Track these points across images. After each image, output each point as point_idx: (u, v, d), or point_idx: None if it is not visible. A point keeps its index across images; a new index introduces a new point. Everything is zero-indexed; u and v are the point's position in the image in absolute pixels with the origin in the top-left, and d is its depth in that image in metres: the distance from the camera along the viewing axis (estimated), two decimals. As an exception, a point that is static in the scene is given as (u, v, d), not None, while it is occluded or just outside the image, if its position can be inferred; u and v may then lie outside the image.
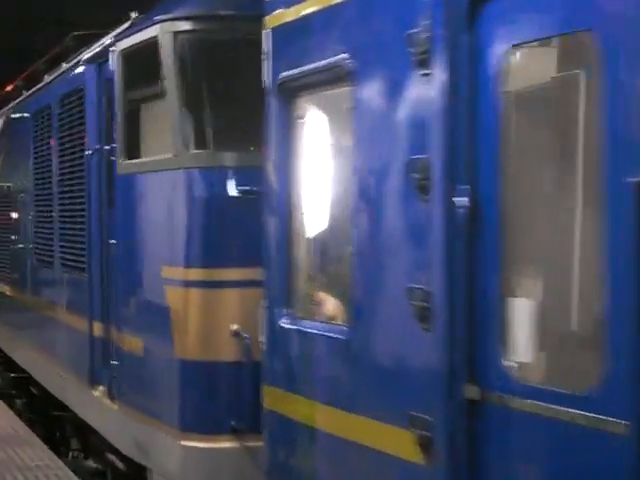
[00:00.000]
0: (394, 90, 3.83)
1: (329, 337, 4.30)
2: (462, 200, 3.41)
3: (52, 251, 9.54)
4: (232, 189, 6.03)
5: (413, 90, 3.67)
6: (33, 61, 14.32)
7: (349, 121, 4.24)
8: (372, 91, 4.00)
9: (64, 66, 9.89)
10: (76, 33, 13.22)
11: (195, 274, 6.12)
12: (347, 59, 4.13)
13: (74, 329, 8.70)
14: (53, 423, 10.85)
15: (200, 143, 6.12)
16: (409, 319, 3.65)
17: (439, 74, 3.50)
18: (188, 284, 6.15)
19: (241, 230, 6.05)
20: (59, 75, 9.62)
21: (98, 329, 7.80)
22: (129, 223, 7.03)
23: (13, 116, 12.28)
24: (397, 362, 3.82)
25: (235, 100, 6.23)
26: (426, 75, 3.56)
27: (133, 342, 6.92)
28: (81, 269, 8.34)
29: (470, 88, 3.42)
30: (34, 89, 11.10)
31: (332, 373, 4.31)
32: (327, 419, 4.35)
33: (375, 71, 3.99)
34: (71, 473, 8.71)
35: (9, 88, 18.78)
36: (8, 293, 12.19)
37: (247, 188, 5.97)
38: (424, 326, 3.58)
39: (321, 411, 4.40)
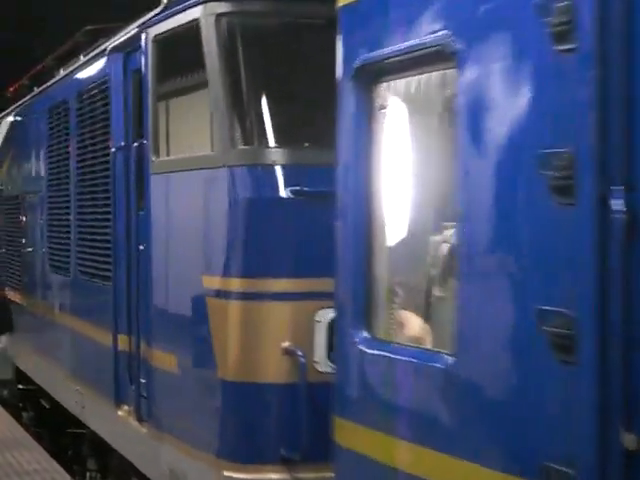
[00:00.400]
0: (518, 71, 3.17)
1: (423, 365, 3.65)
2: (617, 203, 2.76)
3: (68, 257, 8.88)
4: (282, 189, 5.37)
5: (547, 69, 3.01)
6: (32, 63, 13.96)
7: (449, 110, 3.59)
8: (484, 74, 3.34)
9: (82, 59, 9.24)
10: (88, 27, 12.60)
11: (241, 284, 5.46)
12: (449, 36, 3.48)
13: (94, 341, 8.05)
14: (66, 440, 10.20)
15: (246, 138, 5.46)
16: (540, 348, 3.00)
17: (586, 48, 2.85)
18: (233, 295, 5.49)
19: (293, 236, 5.40)
20: (77, 69, 8.96)
21: (123, 343, 7.15)
22: (162, 227, 6.38)
23: (22, 114, 11.64)
24: (520, 400, 3.16)
25: (288, 91, 5.59)
26: (568, 51, 2.91)
27: (166, 359, 6.26)
28: (103, 277, 7.69)
29: (628, 64, 2.77)
30: (46, 85, 10.45)
31: (426, 408, 3.65)
32: (417, 461, 3.70)
33: (489, 49, 3.33)
34: (68, 477, 8.69)
35: (14, 87, 18.24)
36: (18, 300, 11.53)
37: (299, 188, 5.33)
38: (563, 358, 2.92)
39: (409, 451, 3.74)
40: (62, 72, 10.04)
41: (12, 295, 12.02)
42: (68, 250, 8.87)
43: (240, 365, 5.48)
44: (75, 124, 8.59)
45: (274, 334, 5.41)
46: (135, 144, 6.76)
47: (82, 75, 8.59)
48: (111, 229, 7.37)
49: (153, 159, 6.40)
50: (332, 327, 5.32)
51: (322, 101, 5.06)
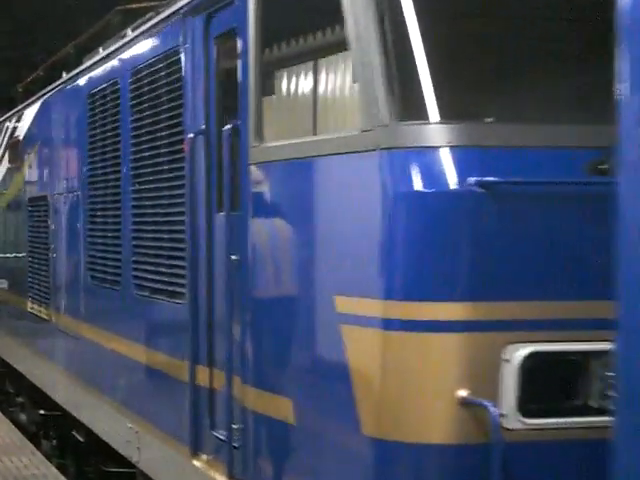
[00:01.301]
0: None
1: None
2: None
3: (118, 267, 7.43)
4: (461, 180, 3.95)
5: None
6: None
7: None
8: None
9: (131, 33, 7.82)
10: (120, 7, 11.23)
11: (401, 309, 4.02)
12: None
13: (156, 371, 6.61)
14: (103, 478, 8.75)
15: (414, 112, 4.03)
16: None
17: None
18: (387, 324, 4.05)
19: (477, 243, 3.97)
20: (129, 43, 7.52)
21: (204, 377, 5.71)
22: (269, 232, 4.93)
23: (48, 105, 10.20)
24: None
25: (469, 49, 4.17)
26: None
27: (275, 403, 4.81)
28: (172, 293, 6.25)
29: None
30: (84, 67, 9.01)
31: None
32: None
33: None
34: None
35: (26, 81, 16.82)
36: (44, 316, 10.07)
37: (486, 179, 3.90)
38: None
39: None
40: (101, 51, 8.62)
41: (36, 309, 10.56)
42: (118, 259, 7.43)
43: (398, 419, 4.05)
44: (128, 108, 7.15)
45: (447, 377, 3.99)
46: (227, 127, 5.31)
47: (138, 49, 7.15)
48: (185, 234, 5.93)
49: (254, 145, 4.96)
50: (525, 368, 3.97)
51: (521, 61, 3.67)
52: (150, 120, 6.67)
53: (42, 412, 10.88)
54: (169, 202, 6.28)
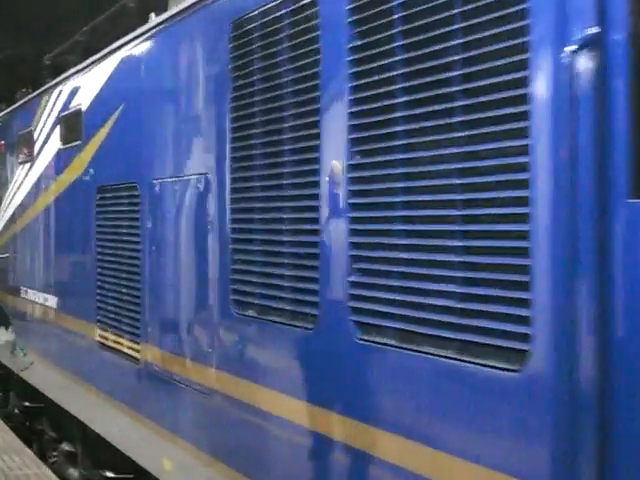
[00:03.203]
0: None
1: None
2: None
3: (311, 293, 4.60)
4: None
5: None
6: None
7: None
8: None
9: None
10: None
11: None
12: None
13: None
14: None
15: None
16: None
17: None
18: None
19: None
20: None
21: None
22: None
23: (141, 52, 7.35)
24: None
25: None
26: None
27: None
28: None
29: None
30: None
31: None
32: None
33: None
34: None
35: (54, 53, 14.16)
36: (135, 355, 7.18)
37: None
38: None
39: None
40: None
41: (111, 340, 7.68)
42: (306, 279, 4.58)
43: None
44: (339, 27, 4.31)
45: None
46: None
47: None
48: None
49: None
50: None
51: None
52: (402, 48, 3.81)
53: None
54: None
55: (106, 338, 7.83)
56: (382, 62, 4.00)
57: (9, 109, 12.65)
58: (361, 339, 4.15)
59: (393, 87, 3.94)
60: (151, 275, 6.74)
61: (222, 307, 5.58)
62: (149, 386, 6.83)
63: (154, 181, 6.67)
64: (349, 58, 4.22)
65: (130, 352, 7.21)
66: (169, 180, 6.40)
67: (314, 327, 4.55)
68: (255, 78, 5.16)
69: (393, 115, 3.95)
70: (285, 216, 4.86)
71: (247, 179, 5.30)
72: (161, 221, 6.58)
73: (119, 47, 7.68)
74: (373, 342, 4.07)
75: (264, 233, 5.10)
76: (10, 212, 11.70)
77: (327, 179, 4.43)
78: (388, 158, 3.99)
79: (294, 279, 4.79)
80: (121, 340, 7.46)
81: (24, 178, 10.88)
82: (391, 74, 3.95)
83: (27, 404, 11.78)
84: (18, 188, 11.20)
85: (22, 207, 11.01)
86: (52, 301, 9.57)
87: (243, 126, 5.31)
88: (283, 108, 4.88)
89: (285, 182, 4.85)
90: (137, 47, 7.25)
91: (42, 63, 15.63)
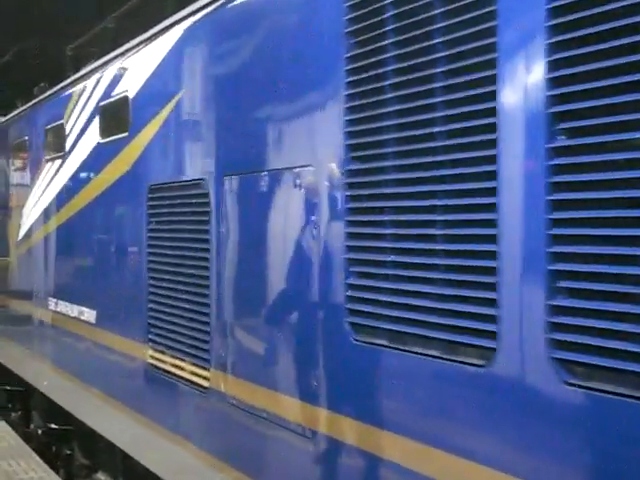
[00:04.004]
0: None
1: None
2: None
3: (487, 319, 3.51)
4: None
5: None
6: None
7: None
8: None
9: None
10: None
11: None
12: None
13: None
14: None
15: None
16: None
17: None
18: None
19: None
20: None
21: None
22: None
23: (205, 25, 6.29)
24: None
25: None
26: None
27: None
28: None
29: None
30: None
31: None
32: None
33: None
34: None
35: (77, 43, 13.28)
36: (203, 382, 6.08)
37: None
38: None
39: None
40: None
41: (169, 363, 6.60)
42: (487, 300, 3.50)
43: None
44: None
45: None
46: None
47: None
48: None
49: None
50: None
51: None
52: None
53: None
54: None
55: (161, 360, 6.74)
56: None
57: (32, 102, 11.55)
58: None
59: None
60: (225, 288, 5.65)
61: (332, 331, 4.49)
62: (224, 420, 5.73)
63: (229, 177, 5.57)
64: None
65: (195, 379, 6.11)
66: (252, 175, 5.30)
67: (489, 364, 3.45)
68: (388, 43, 4.08)
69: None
70: (439, 218, 3.77)
71: (371, 171, 4.21)
72: (240, 224, 5.49)
73: (179, 20, 6.57)
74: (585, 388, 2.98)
75: (400, 240, 4.01)
76: (35, 215, 10.60)
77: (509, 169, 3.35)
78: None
79: (451, 299, 3.70)
80: (182, 364, 6.36)
81: (53, 177, 9.79)
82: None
83: (54, 426, 10.70)
84: (45, 188, 10.10)
85: (51, 209, 9.91)
86: (89, 315, 8.47)
87: (366, 106, 4.23)
88: (432, 82, 3.80)
89: (439, 173, 3.76)
90: (206, 18, 6.14)
91: (64, 54, 14.63)
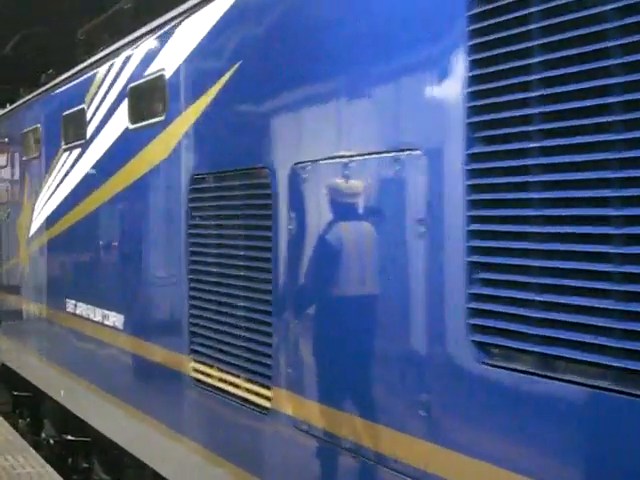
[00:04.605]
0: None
1: None
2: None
3: None
4: None
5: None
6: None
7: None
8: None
9: None
10: None
11: None
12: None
13: None
14: None
15: None
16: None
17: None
18: None
19: None
20: None
21: None
22: None
23: None
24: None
25: None
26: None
27: None
28: None
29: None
30: None
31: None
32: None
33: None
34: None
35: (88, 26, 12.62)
36: (262, 403, 5.26)
37: None
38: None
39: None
40: None
41: (215, 378, 5.79)
42: None
43: None
44: None
45: None
46: None
47: None
48: None
49: None
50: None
51: None
52: None
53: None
54: None
55: (206, 374, 5.92)
56: None
57: (45, 87, 10.70)
58: None
59: None
60: (295, 295, 4.83)
61: (447, 350, 3.67)
62: (290, 448, 4.91)
63: (302, 164, 4.75)
64: None
65: (252, 398, 5.30)
66: (331, 162, 4.48)
67: None
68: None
69: None
70: (614, 214, 2.95)
71: (507, 155, 3.39)
72: (316, 221, 4.66)
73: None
74: None
75: (555, 239, 3.19)
76: (50, 209, 9.76)
77: None
78: None
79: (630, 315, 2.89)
80: (234, 379, 5.55)
81: (72, 167, 8.95)
82: None
83: (70, 437, 9.89)
84: (62, 179, 9.27)
85: (68, 203, 9.07)
86: (115, 320, 7.64)
87: (500, 73, 3.41)
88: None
89: (616, 156, 2.95)
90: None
91: (72, 39, 13.84)
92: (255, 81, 5.32)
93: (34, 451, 9.81)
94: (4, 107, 13.72)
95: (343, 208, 4.42)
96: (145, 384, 7.14)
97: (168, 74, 6.58)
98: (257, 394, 5.25)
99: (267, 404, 5.12)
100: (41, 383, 10.29)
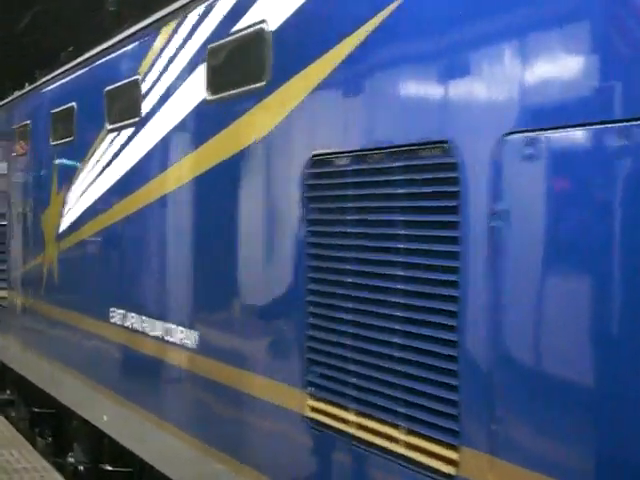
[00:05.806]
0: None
1: None
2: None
3: None
4: None
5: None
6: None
7: None
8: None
9: None
10: None
11: None
12: None
13: None
14: None
15: None
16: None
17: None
18: None
19: None
20: None
21: None
22: None
23: None
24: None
25: None
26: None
27: None
28: None
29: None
30: None
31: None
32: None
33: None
34: (57, 475, 8.78)
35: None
36: (450, 468, 3.82)
37: None
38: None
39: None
40: None
41: (353, 424, 4.36)
42: None
43: None
44: None
45: None
46: None
47: None
48: None
49: None
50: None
51: None
52: None
53: None
54: None
55: (334, 417, 4.48)
56: None
57: (81, 58, 9.21)
58: None
59: None
60: (508, 318, 3.40)
61: None
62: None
63: (524, 133, 3.31)
64: None
65: (421, 458, 3.86)
66: (590, 130, 3.04)
67: None
68: None
69: None
70: None
71: None
72: (543, 216, 3.23)
73: None
74: None
75: None
76: (89, 201, 8.29)
77: None
78: None
79: None
80: (384, 429, 4.10)
81: (120, 150, 7.49)
82: None
83: (110, 468, 8.46)
84: (107, 166, 7.81)
85: (115, 193, 7.61)
86: (184, 337, 6.18)
87: None
88: None
89: None
90: None
91: (105, 11, 12.60)
92: (419, 26, 3.86)
93: (31, 446, 9.77)
94: (22, 88, 12.27)
95: (587, 196, 2.98)
96: (228, 421, 5.70)
97: (272, 27, 5.13)
98: (431, 454, 3.81)
99: (451, 470, 3.68)
100: (85, 412, 8.79)
